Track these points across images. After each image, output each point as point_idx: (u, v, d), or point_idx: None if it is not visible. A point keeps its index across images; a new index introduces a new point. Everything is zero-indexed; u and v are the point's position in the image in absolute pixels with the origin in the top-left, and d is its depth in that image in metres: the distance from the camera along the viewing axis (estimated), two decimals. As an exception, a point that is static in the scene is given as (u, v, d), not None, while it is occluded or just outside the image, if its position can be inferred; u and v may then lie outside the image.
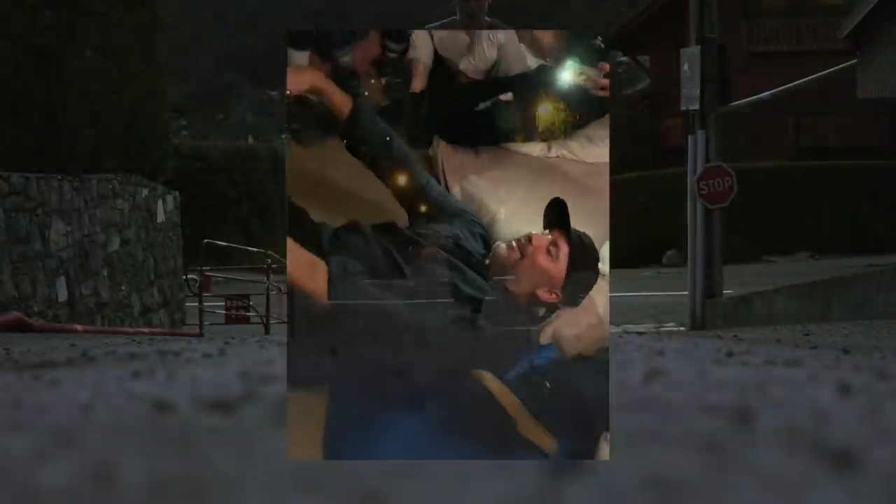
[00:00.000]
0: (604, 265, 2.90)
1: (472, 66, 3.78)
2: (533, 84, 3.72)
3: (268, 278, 12.06)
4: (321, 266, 2.61)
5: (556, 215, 2.88)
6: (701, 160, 9.58)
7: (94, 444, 1.07)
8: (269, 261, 12.62)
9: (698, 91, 9.31)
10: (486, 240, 3.12)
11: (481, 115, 3.74)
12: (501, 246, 2.93)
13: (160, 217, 11.72)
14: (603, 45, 3.85)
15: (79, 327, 7.95)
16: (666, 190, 23.22)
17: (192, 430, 1.16)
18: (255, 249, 14.43)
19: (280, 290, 12.97)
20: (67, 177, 8.75)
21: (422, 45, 3.74)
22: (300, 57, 3.25)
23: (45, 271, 8.13)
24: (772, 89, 10.24)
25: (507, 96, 3.79)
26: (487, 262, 2.94)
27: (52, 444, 1.07)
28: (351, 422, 1.64)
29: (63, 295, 8.47)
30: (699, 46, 9.38)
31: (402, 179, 3.13)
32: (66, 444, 1.07)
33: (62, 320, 8.22)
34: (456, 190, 3.52)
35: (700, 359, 2.19)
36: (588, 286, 2.79)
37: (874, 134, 26.88)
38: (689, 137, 9.73)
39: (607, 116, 3.70)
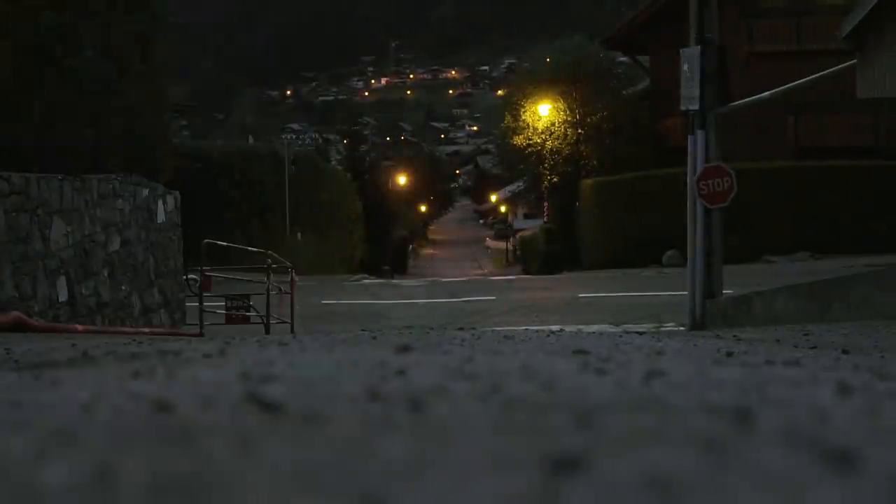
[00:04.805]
0: None
1: None
2: None
3: (268, 278, 12.06)
4: None
5: None
6: (701, 160, 9.58)
7: (94, 444, 1.08)
8: (270, 261, 12.62)
9: (698, 91, 9.31)
10: None
11: None
12: None
13: (160, 217, 11.72)
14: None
15: (79, 327, 7.95)
16: (666, 190, 23.22)
17: (193, 430, 1.16)
18: (256, 249, 14.43)
19: (280, 290, 12.98)
20: (68, 177, 8.75)
21: None
22: None
23: (45, 271, 8.13)
24: (772, 89, 10.24)
25: None
26: None
27: (52, 444, 1.07)
28: None
29: (63, 295, 8.47)
30: (699, 46, 9.38)
31: None
32: (67, 444, 1.07)
33: (63, 320, 8.22)
34: None
35: (700, 359, 2.20)
36: None
37: (874, 134, 26.87)
38: (689, 137, 9.73)
39: None
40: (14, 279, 7.54)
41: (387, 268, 41.72)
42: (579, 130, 31.26)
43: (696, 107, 9.41)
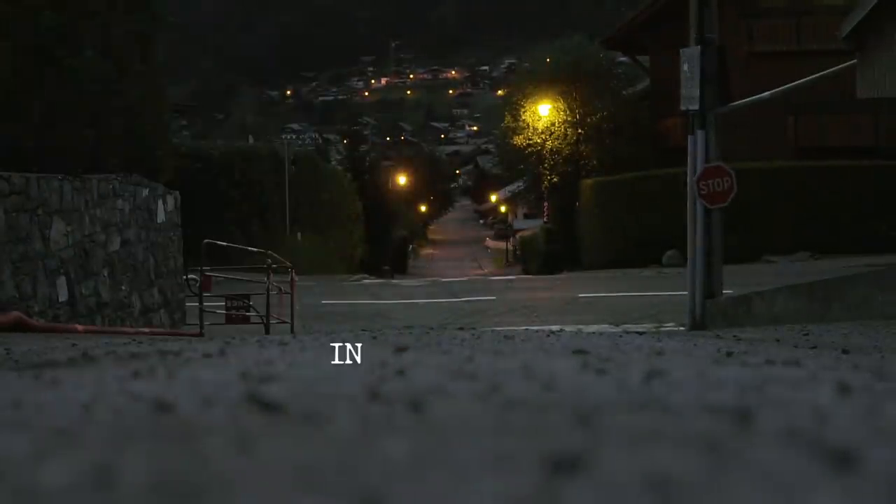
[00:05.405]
0: None
1: None
2: None
3: (268, 278, 12.06)
4: None
5: None
6: (701, 160, 9.58)
7: (94, 444, 1.08)
8: (270, 261, 12.63)
9: (698, 91, 9.31)
10: None
11: None
12: None
13: (160, 217, 11.72)
14: None
15: (79, 327, 7.95)
16: (666, 190, 23.23)
17: (193, 430, 1.16)
18: (256, 249, 14.43)
19: (280, 290, 12.98)
20: (68, 177, 8.75)
21: None
22: None
23: (45, 271, 8.13)
24: (772, 89, 10.24)
25: None
26: None
27: (52, 444, 1.07)
28: None
29: (63, 295, 8.47)
30: (699, 47, 9.38)
31: None
32: (67, 444, 1.07)
33: (62, 320, 8.22)
34: None
35: (700, 358, 2.20)
36: None
37: (874, 134, 26.86)
38: (689, 137, 9.73)
39: None
40: (14, 279, 7.54)
41: (387, 268, 41.72)
42: (579, 130, 31.26)
43: (696, 107, 9.41)
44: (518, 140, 32.12)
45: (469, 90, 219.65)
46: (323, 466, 0.94)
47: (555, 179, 31.68)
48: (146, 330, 9.71)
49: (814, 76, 9.93)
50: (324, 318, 13.95)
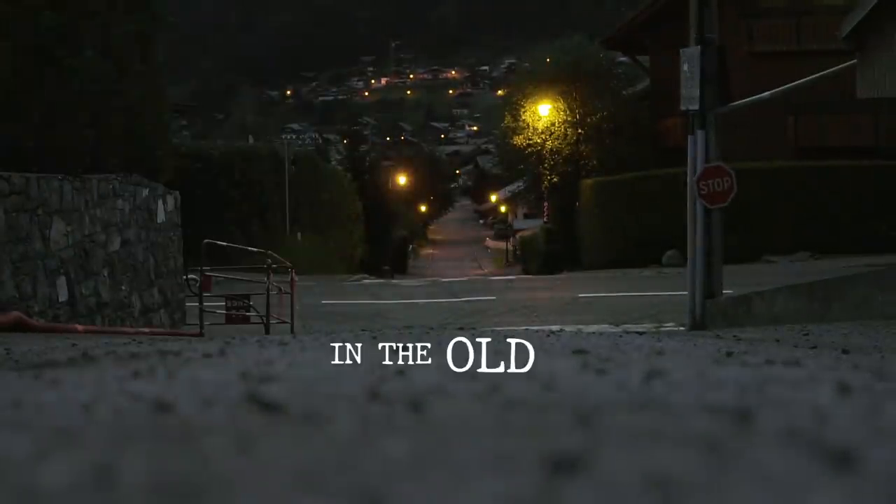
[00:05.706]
0: None
1: None
2: None
3: (268, 278, 12.06)
4: None
5: None
6: (701, 160, 9.58)
7: (94, 444, 1.08)
8: (270, 261, 12.63)
9: (698, 91, 9.32)
10: None
11: None
12: None
13: (160, 217, 11.72)
14: None
15: (79, 327, 7.95)
16: (666, 190, 23.23)
17: (193, 430, 1.16)
18: (256, 249, 14.43)
19: (280, 290, 12.98)
20: (68, 177, 8.75)
21: None
22: None
23: (45, 271, 8.13)
24: (772, 89, 10.24)
25: None
26: None
27: (52, 444, 1.07)
28: None
29: (63, 295, 8.46)
30: (699, 47, 9.38)
31: None
32: (67, 444, 1.07)
33: (62, 320, 8.21)
34: None
35: (700, 358, 2.20)
36: None
37: (874, 134, 26.84)
38: (689, 137, 9.73)
39: None
40: (14, 279, 7.53)
41: (387, 268, 41.72)
42: (579, 130, 31.25)
43: (696, 107, 9.41)
44: (518, 140, 32.12)
45: (469, 90, 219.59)
46: (323, 466, 0.94)
47: (555, 179, 31.67)
48: (146, 330, 9.71)
49: (814, 76, 9.93)
50: (324, 319, 13.95)
